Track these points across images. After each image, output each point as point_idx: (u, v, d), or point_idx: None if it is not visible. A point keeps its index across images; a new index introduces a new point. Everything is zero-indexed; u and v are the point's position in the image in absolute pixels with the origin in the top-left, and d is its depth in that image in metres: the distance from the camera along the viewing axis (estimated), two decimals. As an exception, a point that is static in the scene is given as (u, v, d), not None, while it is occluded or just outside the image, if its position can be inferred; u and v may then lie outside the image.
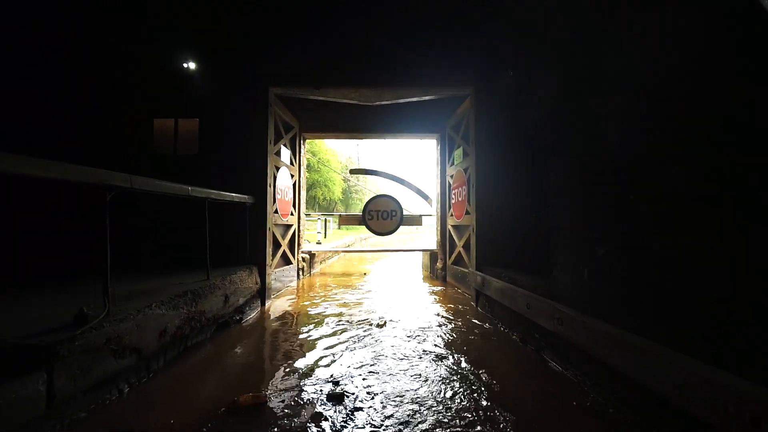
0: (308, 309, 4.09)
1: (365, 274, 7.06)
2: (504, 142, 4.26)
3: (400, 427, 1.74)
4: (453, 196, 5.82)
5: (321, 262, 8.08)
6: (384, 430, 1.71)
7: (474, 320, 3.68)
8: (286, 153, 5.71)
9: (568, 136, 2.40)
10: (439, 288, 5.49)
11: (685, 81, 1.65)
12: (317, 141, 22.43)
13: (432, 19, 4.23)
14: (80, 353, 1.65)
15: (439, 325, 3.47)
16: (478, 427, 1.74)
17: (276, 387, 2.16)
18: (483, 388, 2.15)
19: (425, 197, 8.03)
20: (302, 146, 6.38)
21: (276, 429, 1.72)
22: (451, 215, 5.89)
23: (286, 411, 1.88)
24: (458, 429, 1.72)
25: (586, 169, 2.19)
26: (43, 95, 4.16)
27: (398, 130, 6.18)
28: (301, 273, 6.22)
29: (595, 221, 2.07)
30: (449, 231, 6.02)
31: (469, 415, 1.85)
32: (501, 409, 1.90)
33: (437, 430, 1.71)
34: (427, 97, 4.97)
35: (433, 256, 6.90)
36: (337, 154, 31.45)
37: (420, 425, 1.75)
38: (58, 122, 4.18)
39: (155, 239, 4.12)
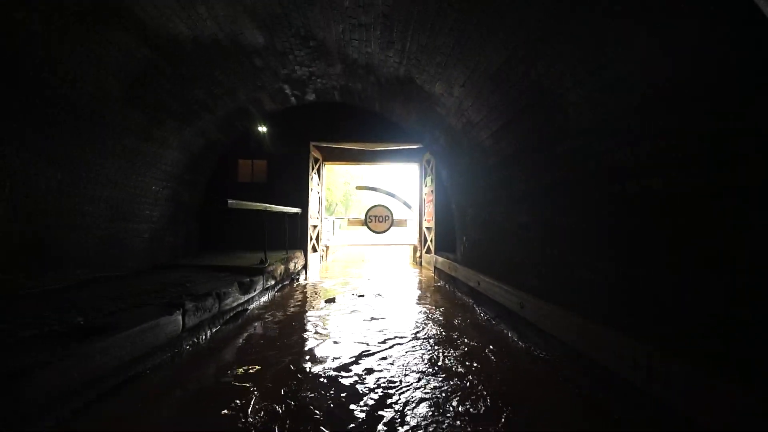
0: (333, 275, 6.92)
1: (363, 261, 9.90)
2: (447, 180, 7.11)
3: (388, 304, 4.56)
4: (426, 207, 8.65)
5: (333, 253, 10.89)
6: (383, 305, 4.54)
7: (429, 282, 6.53)
8: (314, 177, 8.50)
9: (453, 189, 5.29)
10: (416, 269, 8.33)
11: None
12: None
13: (401, 114, 7.06)
14: (266, 273, 4.46)
15: (408, 283, 6.32)
16: (419, 308, 4.57)
17: (336, 296, 4.97)
18: (423, 300, 4.98)
19: (408, 206, 10.86)
20: (323, 171, 9.18)
21: (344, 305, 4.52)
22: (425, 220, 8.72)
23: (345, 301, 4.69)
24: (415, 313, 4.55)
25: (459, 203, 5.07)
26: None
27: (390, 159, 8.98)
28: (321, 258, 9.02)
29: (462, 227, 4.91)
30: (424, 231, 8.84)
31: (414, 307, 4.68)
32: (430, 305, 4.73)
33: (401, 307, 4.54)
34: (406, 147, 7.82)
35: (414, 248, 9.72)
36: (337, 159, 34.24)
37: (394, 305, 4.58)
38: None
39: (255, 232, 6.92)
